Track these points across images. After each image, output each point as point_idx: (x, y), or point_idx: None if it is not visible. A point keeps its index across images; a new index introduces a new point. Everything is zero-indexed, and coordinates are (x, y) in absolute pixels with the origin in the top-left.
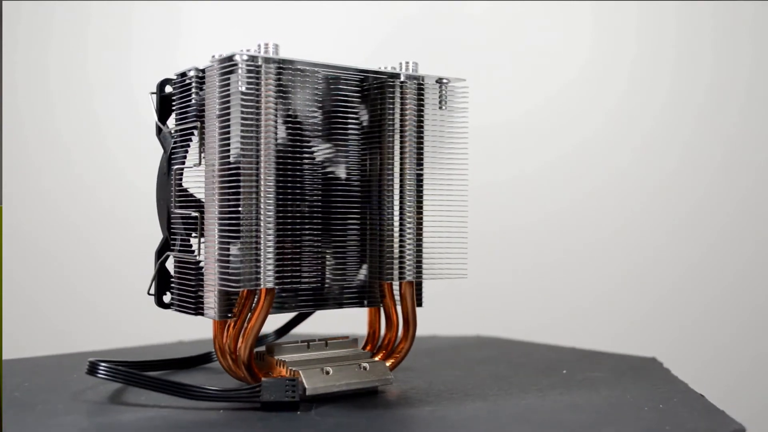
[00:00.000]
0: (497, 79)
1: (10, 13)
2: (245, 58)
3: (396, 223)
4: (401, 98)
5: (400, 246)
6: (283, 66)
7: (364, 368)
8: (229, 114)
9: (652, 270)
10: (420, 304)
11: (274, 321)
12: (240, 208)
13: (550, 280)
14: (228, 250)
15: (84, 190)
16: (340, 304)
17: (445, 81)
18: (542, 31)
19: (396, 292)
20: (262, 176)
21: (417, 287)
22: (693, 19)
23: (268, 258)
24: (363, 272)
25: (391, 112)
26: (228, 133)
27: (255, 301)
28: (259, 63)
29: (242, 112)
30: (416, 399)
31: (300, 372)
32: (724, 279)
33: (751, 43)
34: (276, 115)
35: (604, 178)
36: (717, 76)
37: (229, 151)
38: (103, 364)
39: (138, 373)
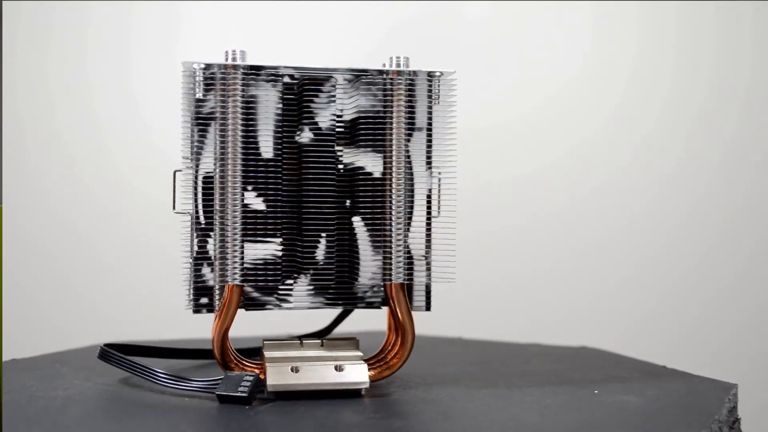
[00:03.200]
0: (496, 79)
1: (10, 14)
2: (202, 66)
3: (380, 224)
4: (390, 94)
5: (385, 247)
6: (249, 72)
7: (339, 370)
8: (198, 119)
9: (653, 270)
10: (428, 308)
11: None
12: (205, 207)
13: (551, 281)
14: (203, 247)
15: (84, 190)
16: (333, 305)
17: (437, 74)
18: (541, 31)
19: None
20: (228, 177)
21: (426, 290)
22: (693, 19)
23: (235, 256)
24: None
25: (379, 109)
26: (202, 136)
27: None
28: (214, 71)
29: (197, 118)
30: (384, 405)
31: (267, 368)
32: (725, 279)
33: (751, 43)
34: (242, 119)
35: (604, 179)
36: (717, 76)
37: (201, 153)
38: (108, 348)
39: (123, 356)
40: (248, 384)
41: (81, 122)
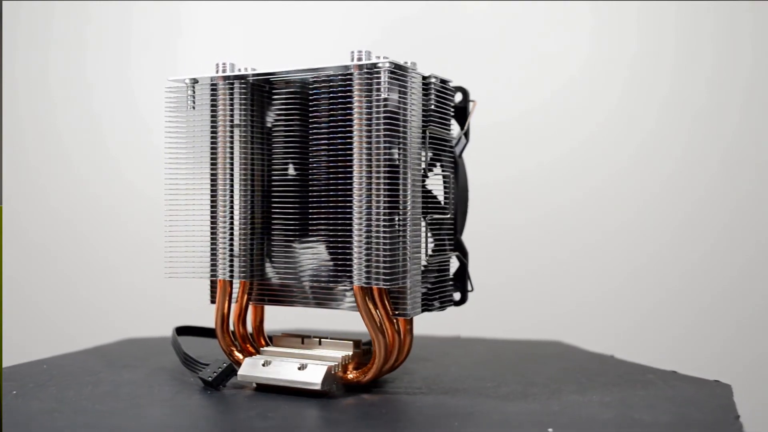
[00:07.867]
0: (495, 78)
1: (10, 13)
2: (189, 82)
3: (345, 224)
4: (350, 89)
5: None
6: (234, 81)
7: (302, 369)
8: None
9: (653, 271)
10: (406, 316)
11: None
12: (196, 210)
13: (551, 281)
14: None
15: (83, 189)
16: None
17: (386, 66)
18: (541, 31)
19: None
20: (218, 181)
21: (405, 293)
22: (693, 20)
23: (224, 253)
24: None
25: (336, 106)
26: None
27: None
28: (198, 83)
29: (189, 127)
30: (310, 405)
31: (245, 359)
32: (725, 279)
33: (751, 43)
34: (230, 127)
35: (603, 178)
36: (717, 76)
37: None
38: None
39: (175, 334)
40: (219, 372)
41: (81, 122)
